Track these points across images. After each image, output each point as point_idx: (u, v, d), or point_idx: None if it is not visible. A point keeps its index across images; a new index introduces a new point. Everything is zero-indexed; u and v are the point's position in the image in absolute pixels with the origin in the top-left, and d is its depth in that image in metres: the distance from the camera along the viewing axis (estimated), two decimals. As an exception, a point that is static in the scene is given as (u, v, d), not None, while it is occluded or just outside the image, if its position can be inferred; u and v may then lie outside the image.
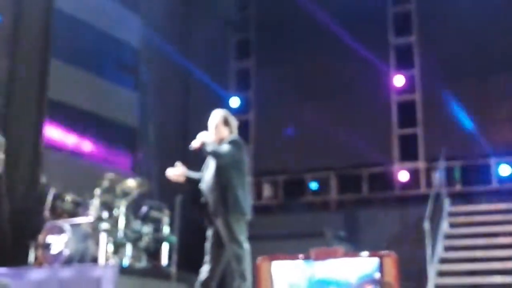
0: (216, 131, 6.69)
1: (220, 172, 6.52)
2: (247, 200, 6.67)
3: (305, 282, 3.69)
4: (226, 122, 6.75)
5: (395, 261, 3.51)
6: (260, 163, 14.61)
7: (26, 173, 11.02)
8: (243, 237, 6.50)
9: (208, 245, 6.69)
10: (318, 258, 3.57)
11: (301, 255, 3.63)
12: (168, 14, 14.22)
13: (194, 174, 6.80)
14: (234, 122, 6.83)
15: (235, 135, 6.74)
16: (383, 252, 3.59)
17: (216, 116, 6.77)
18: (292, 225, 12.78)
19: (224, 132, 6.72)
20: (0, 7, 11.41)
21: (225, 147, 6.51)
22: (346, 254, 3.69)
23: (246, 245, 6.51)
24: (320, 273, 3.70)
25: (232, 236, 6.42)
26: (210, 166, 6.63)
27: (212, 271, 6.60)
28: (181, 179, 6.76)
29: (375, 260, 3.65)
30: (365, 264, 3.66)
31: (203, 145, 6.50)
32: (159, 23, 14.28)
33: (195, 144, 6.53)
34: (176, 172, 6.74)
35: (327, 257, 3.52)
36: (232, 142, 6.59)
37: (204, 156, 6.64)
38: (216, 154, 6.46)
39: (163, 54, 14.28)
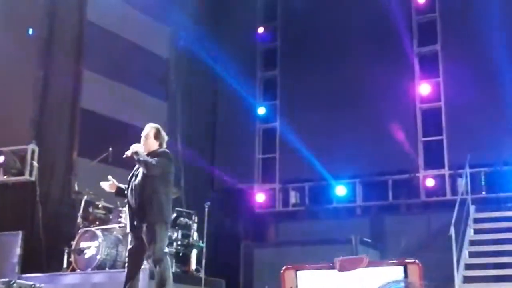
0: (147, 143, 7.14)
1: (147, 181, 6.95)
2: (170, 208, 7.18)
3: None
4: (157, 136, 7.20)
5: (419, 269, 3.63)
6: (286, 171, 14.77)
7: (60, 180, 11.31)
8: (164, 243, 6.99)
9: (131, 248, 7.13)
10: (343, 268, 3.67)
11: (325, 265, 3.74)
12: (196, 25, 14.46)
13: (123, 186, 7.30)
14: (165, 137, 7.29)
15: (164, 148, 7.21)
16: (407, 260, 3.71)
17: (149, 129, 7.22)
18: (318, 232, 12.89)
19: (154, 145, 7.18)
20: (35, 20, 11.75)
21: (156, 159, 6.96)
22: (371, 263, 3.80)
23: (166, 250, 7.05)
24: (345, 284, 3.80)
25: (155, 241, 6.81)
26: (138, 175, 7.04)
27: (132, 274, 7.00)
28: (113, 189, 7.32)
29: (400, 268, 3.76)
30: (390, 272, 3.77)
31: (135, 154, 6.96)
32: (187, 34, 14.54)
33: (128, 152, 7.02)
34: (108, 184, 7.30)
35: (352, 267, 3.63)
36: (162, 154, 7.08)
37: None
38: (146, 164, 6.89)
39: (191, 64, 14.54)
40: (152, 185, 6.95)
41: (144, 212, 6.88)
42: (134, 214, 7.01)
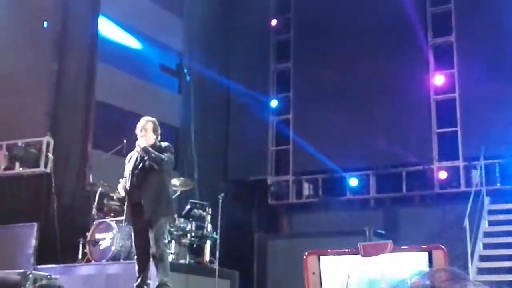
0: (146, 137, 7.19)
1: (155, 175, 7.06)
2: (173, 201, 7.40)
3: (355, 278, 3.79)
4: (155, 129, 7.29)
5: (445, 254, 3.63)
6: (300, 163, 14.77)
7: (74, 172, 11.38)
8: (166, 235, 7.25)
9: (139, 242, 7.18)
10: (367, 253, 3.67)
11: (349, 250, 3.74)
12: (209, 18, 14.47)
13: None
14: (159, 129, 7.38)
15: (167, 142, 7.35)
16: (432, 245, 3.72)
17: (146, 122, 7.29)
18: (332, 223, 12.91)
19: (152, 138, 7.25)
20: (49, 13, 11.81)
21: (166, 155, 7.07)
22: (395, 249, 3.80)
23: (168, 245, 7.37)
24: (370, 269, 3.79)
25: (162, 235, 6.99)
26: (143, 169, 7.06)
27: (143, 265, 7.12)
28: (124, 190, 7.27)
29: (425, 254, 3.75)
30: (415, 258, 3.77)
31: (145, 152, 7.02)
32: (201, 26, 14.56)
33: (137, 149, 7.10)
34: (122, 186, 7.29)
35: (376, 252, 3.61)
36: (169, 149, 7.20)
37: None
38: (160, 160, 6.99)
39: (205, 56, 14.56)
40: (160, 179, 7.07)
41: (154, 206, 6.96)
42: (137, 206, 7.05)
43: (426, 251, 3.86)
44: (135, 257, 7.28)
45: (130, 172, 7.19)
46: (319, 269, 3.69)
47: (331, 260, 3.78)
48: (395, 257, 3.72)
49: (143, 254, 7.08)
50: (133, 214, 7.12)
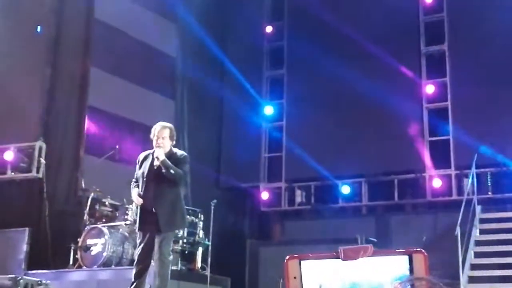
0: (163, 144, 6.93)
1: (171, 186, 6.88)
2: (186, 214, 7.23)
3: (335, 282, 3.80)
4: (171, 136, 7.05)
5: (425, 258, 3.64)
6: (292, 170, 14.79)
7: (67, 177, 11.36)
8: (170, 247, 7.15)
9: (143, 247, 6.97)
10: (347, 257, 3.68)
11: (329, 254, 3.73)
12: (203, 23, 14.49)
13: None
14: (175, 136, 7.18)
15: (184, 152, 7.22)
16: (412, 249, 3.72)
17: (162, 128, 7.01)
18: (324, 231, 12.93)
19: (168, 146, 7.01)
20: (42, 18, 11.81)
21: (184, 170, 6.92)
22: (376, 252, 3.80)
23: (171, 256, 7.12)
24: (351, 272, 3.80)
25: (167, 244, 6.91)
26: (159, 178, 6.87)
27: (141, 272, 6.98)
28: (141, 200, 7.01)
29: (405, 258, 3.76)
30: (396, 262, 3.78)
31: (165, 166, 6.81)
32: (195, 32, 14.58)
33: (157, 162, 6.84)
34: (137, 197, 7.00)
35: (356, 255, 3.62)
36: (186, 161, 7.03)
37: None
38: (178, 176, 6.83)
39: (198, 62, 14.57)
40: (176, 191, 6.91)
41: (167, 218, 6.82)
42: (149, 215, 6.86)
43: (407, 254, 3.88)
44: (135, 261, 7.10)
45: (145, 177, 6.93)
46: (300, 273, 3.69)
47: (312, 264, 3.79)
48: (377, 260, 3.74)
49: (144, 260, 6.93)
50: (143, 219, 6.93)
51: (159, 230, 6.83)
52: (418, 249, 4.06)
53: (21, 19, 11.74)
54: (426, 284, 1.71)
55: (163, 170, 6.81)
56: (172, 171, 6.77)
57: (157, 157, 6.82)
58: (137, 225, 7.06)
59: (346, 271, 3.83)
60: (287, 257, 3.82)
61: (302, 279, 3.99)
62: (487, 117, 12.81)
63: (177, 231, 7.07)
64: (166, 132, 6.97)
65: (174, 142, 7.12)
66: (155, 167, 6.89)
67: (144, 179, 6.92)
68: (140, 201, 6.91)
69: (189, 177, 7.38)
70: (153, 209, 6.83)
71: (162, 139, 6.90)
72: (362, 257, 3.89)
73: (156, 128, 6.98)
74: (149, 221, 6.87)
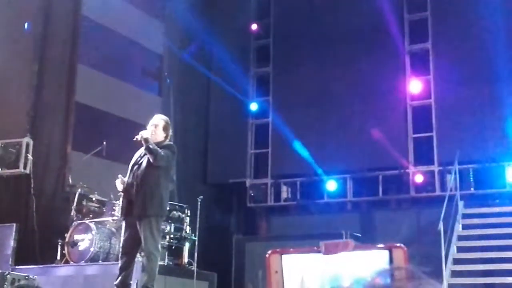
0: (155, 133, 7.10)
1: (151, 172, 6.94)
2: (167, 202, 7.23)
3: (316, 276, 3.89)
4: (165, 128, 7.20)
5: (405, 253, 3.74)
6: (278, 166, 14.90)
7: (54, 173, 11.38)
8: (158, 236, 7.03)
9: (126, 238, 7.06)
10: (328, 251, 3.77)
11: (310, 249, 3.83)
12: (190, 22, 14.55)
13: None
14: (171, 131, 7.29)
15: (171, 142, 7.24)
16: (392, 244, 3.81)
17: (159, 119, 7.20)
18: (309, 226, 13.05)
19: (161, 136, 7.16)
20: (29, 14, 11.82)
21: (164, 151, 6.96)
22: (356, 247, 3.91)
23: (160, 246, 7.12)
24: (332, 267, 3.90)
25: (151, 234, 6.82)
26: (142, 164, 6.99)
27: (126, 265, 6.99)
28: (123, 185, 7.11)
29: (386, 253, 3.86)
30: (376, 256, 3.88)
31: (145, 140, 6.91)
32: (182, 30, 14.65)
33: (138, 137, 6.95)
34: (120, 181, 7.11)
35: (337, 250, 3.72)
36: (170, 148, 7.10)
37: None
38: (155, 153, 6.86)
39: (185, 60, 14.65)
40: (155, 177, 6.94)
41: (144, 203, 6.85)
42: (132, 203, 6.94)
43: (387, 249, 3.99)
44: (120, 254, 7.19)
45: (130, 168, 7.09)
46: (282, 267, 3.78)
47: (293, 258, 3.88)
48: (357, 255, 3.85)
49: (128, 253, 6.97)
50: (126, 210, 7.03)
51: (136, 217, 6.86)
52: (398, 245, 4.16)
53: (8, 16, 11.75)
54: (406, 272, 1.81)
55: (143, 147, 6.91)
56: (150, 146, 6.86)
57: (141, 134, 6.94)
58: (120, 213, 7.18)
59: (327, 266, 3.92)
60: (269, 252, 3.92)
61: (284, 273, 4.06)
62: (470, 114, 12.96)
63: (154, 218, 6.89)
64: (160, 122, 7.15)
65: (168, 138, 7.23)
66: (141, 156, 7.03)
67: (130, 168, 7.10)
68: (121, 187, 7.06)
69: (174, 171, 7.39)
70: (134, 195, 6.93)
71: (155, 127, 7.10)
72: (342, 251, 3.98)
73: (153, 119, 7.22)
74: (130, 210, 6.97)
